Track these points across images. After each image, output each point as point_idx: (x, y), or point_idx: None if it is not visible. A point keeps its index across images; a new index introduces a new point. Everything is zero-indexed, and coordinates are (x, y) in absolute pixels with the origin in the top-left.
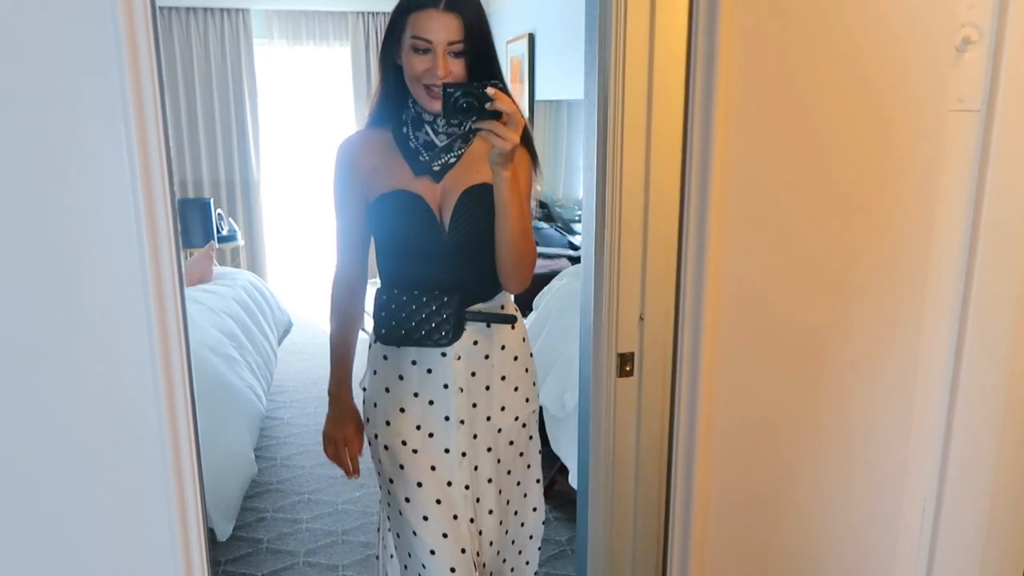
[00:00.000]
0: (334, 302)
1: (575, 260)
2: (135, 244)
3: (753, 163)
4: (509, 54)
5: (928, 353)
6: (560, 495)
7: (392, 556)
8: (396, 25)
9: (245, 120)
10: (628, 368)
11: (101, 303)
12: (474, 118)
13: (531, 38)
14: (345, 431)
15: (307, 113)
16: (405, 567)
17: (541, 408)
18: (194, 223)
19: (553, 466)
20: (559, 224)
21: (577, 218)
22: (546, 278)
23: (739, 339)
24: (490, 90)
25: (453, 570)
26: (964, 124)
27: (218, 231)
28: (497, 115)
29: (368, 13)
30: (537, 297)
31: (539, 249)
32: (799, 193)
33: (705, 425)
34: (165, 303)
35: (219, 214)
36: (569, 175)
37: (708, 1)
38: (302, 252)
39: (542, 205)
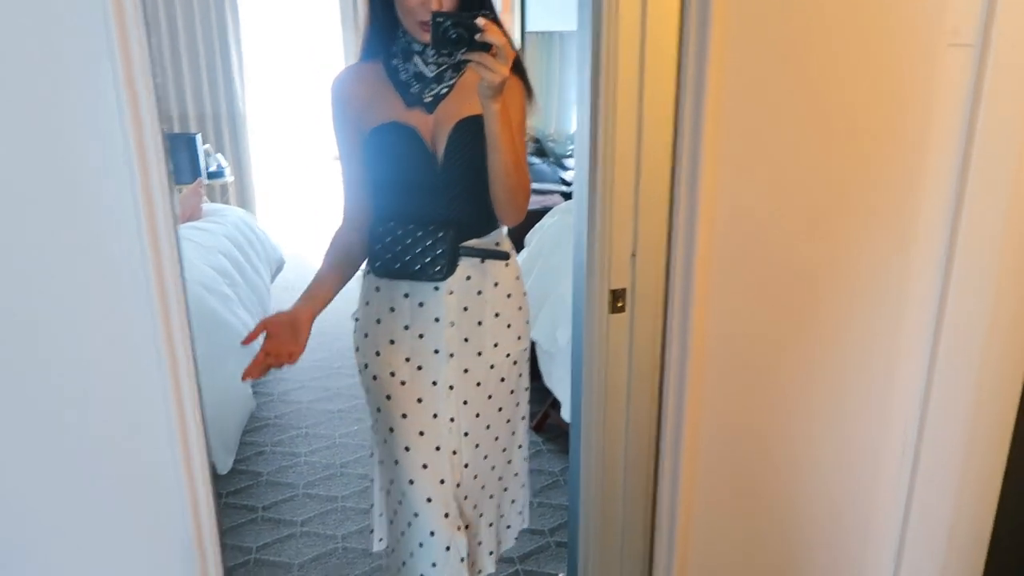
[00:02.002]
0: (334, 238)
1: (567, 196)
2: (127, 180)
3: (747, 95)
4: None
5: (916, 286)
6: (553, 428)
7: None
8: None
9: (229, 51)
10: (620, 304)
11: (96, 241)
12: (463, 49)
13: None
14: (278, 316)
15: (293, 42)
16: (388, 493)
17: (534, 343)
18: (181, 159)
19: (546, 400)
20: (551, 159)
21: (569, 153)
22: (538, 214)
23: (731, 270)
24: (480, 21)
25: (430, 500)
26: (959, 58)
27: (206, 168)
28: (487, 47)
29: None
30: (529, 234)
31: (532, 185)
32: (793, 125)
33: (696, 359)
34: (159, 239)
35: (206, 150)
36: (562, 109)
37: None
38: (292, 187)
39: (534, 140)
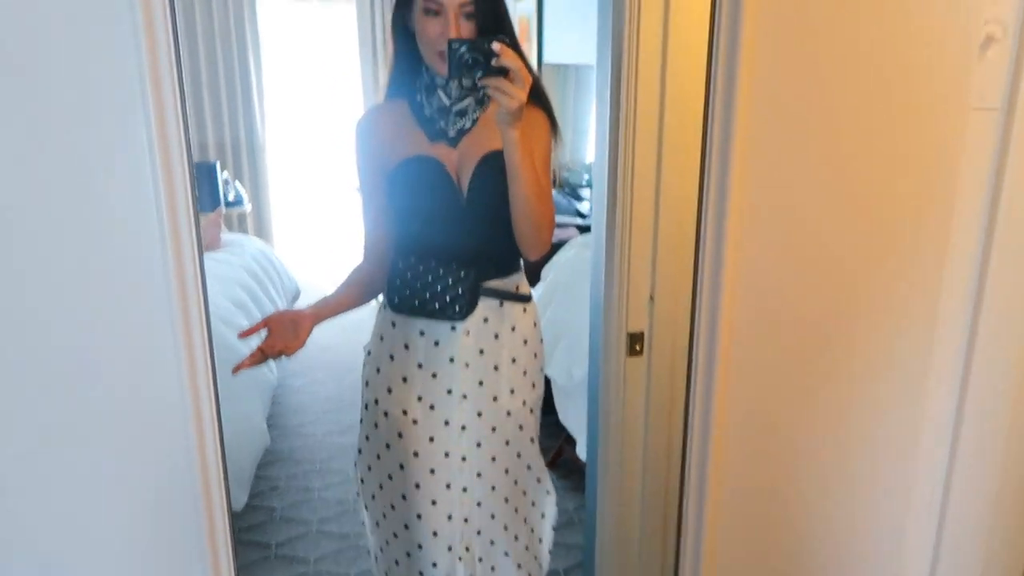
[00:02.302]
0: (353, 271)
1: (584, 229)
2: (153, 213)
3: (773, 152)
4: (517, 13)
5: (940, 353)
6: (567, 464)
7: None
8: None
9: (250, 80)
10: (638, 348)
11: (121, 270)
12: (480, 74)
13: None
14: (281, 314)
15: (312, 72)
16: (377, 524)
17: (548, 379)
18: (201, 188)
19: (559, 435)
20: (566, 189)
21: (585, 183)
22: (554, 248)
23: (753, 330)
24: (496, 45)
25: (436, 533)
26: (985, 122)
27: (225, 196)
28: (503, 71)
29: None
30: (545, 268)
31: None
32: (818, 184)
33: (719, 413)
34: (184, 270)
35: (225, 179)
36: (576, 138)
37: (730, 2)
38: (309, 216)
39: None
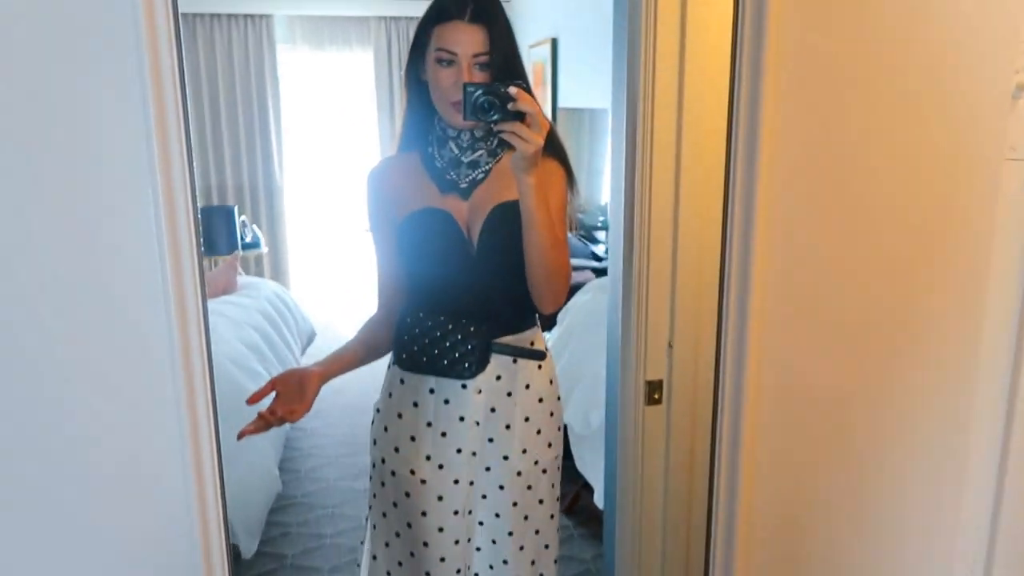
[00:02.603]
0: (367, 321)
1: (599, 272)
2: (156, 259)
3: (798, 208)
4: (531, 59)
5: (979, 417)
6: (584, 511)
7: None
8: (420, 39)
9: (268, 125)
10: (657, 396)
11: (122, 320)
12: (496, 118)
13: (554, 43)
14: (288, 374)
15: (330, 118)
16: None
17: (565, 426)
18: (219, 231)
19: (577, 481)
20: (581, 232)
21: (599, 224)
22: (570, 291)
23: (779, 397)
24: (512, 89)
25: None
26: (1018, 173)
27: (242, 238)
28: (520, 115)
29: (390, 18)
30: (561, 312)
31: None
32: (847, 237)
33: (748, 455)
34: (188, 319)
35: (243, 221)
36: (591, 180)
37: (751, 52)
38: (325, 258)
39: None
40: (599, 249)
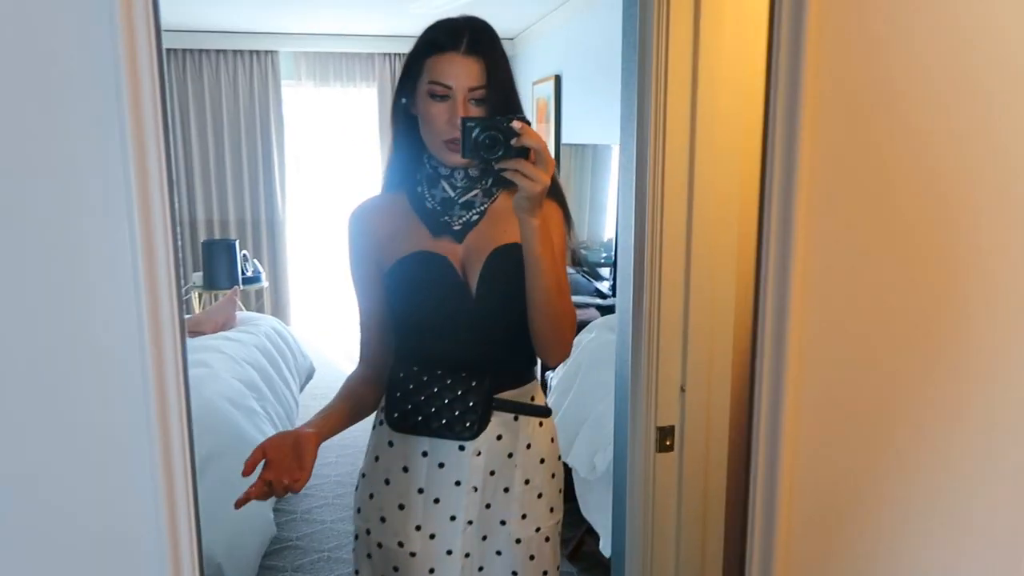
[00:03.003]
0: (347, 380)
1: (604, 309)
2: (132, 302)
3: (838, 251)
4: (535, 95)
5: None
6: (589, 557)
7: None
8: (411, 70)
9: (272, 160)
10: (668, 443)
11: (94, 369)
12: (499, 154)
13: (557, 80)
14: (280, 438)
15: (333, 153)
16: None
17: (569, 468)
18: (220, 265)
19: (581, 525)
20: (585, 269)
21: (603, 260)
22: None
23: (822, 429)
24: (516, 124)
25: None
26: None
27: (243, 272)
28: (524, 152)
29: (395, 55)
30: None
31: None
32: (891, 283)
33: (785, 512)
34: (165, 368)
35: (244, 255)
36: (594, 216)
37: (787, 94)
38: (326, 294)
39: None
40: (603, 286)
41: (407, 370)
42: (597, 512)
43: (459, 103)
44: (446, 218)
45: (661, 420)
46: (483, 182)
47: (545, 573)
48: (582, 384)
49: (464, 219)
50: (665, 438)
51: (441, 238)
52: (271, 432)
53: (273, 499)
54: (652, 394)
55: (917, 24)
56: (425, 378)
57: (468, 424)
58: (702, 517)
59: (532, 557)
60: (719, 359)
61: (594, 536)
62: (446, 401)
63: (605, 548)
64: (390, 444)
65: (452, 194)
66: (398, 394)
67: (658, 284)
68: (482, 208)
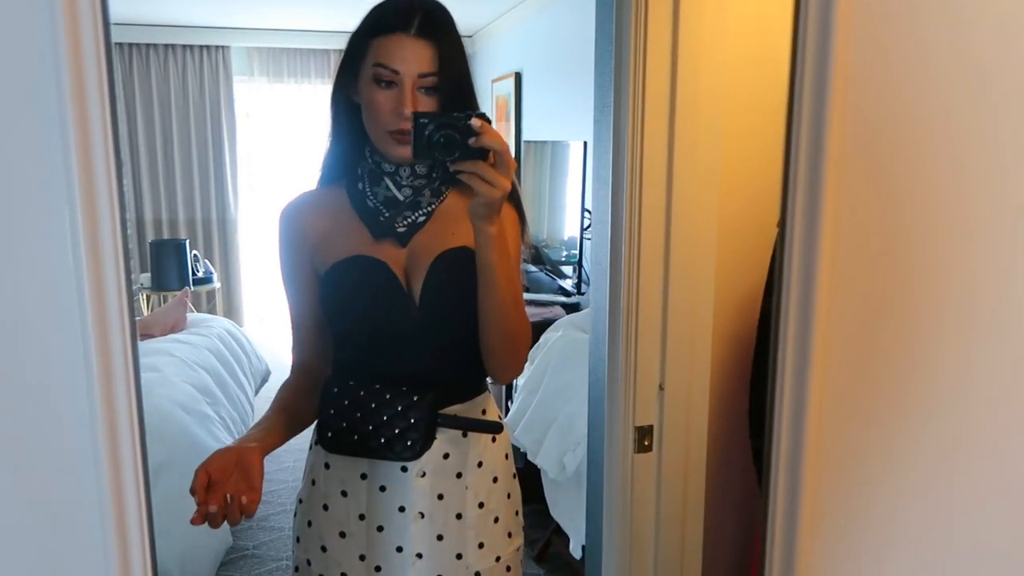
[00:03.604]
0: (280, 391)
1: (568, 307)
2: (75, 301)
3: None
4: (495, 93)
5: None
6: (556, 558)
7: None
8: (354, 53)
9: (223, 158)
10: (647, 443)
11: (33, 378)
12: (454, 157)
13: (518, 77)
14: (220, 456)
15: (287, 151)
16: None
17: (539, 470)
18: (169, 266)
19: (548, 526)
20: (547, 267)
21: (564, 259)
22: (540, 327)
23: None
24: (475, 122)
25: None
26: None
27: (193, 273)
28: (483, 154)
29: None
30: (532, 350)
31: (530, 295)
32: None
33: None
34: (113, 375)
35: (195, 255)
36: (554, 213)
37: (813, 124)
38: (280, 294)
39: (531, 247)
40: (566, 283)
41: (342, 385)
42: (567, 513)
43: (407, 91)
44: (388, 217)
45: (639, 420)
46: (431, 180)
47: None
48: (550, 384)
49: (409, 220)
50: (643, 438)
51: (383, 241)
52: (225, 437)
53: None
54: (630, 393)
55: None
56: (362, 393)
57: (410, 443)
58: (681, 518)
59: None
60: (699, 356)
61: (562, 537)
62: (385, 418)
63: (575, 550)
64: (326, 466)
65: (396, 193)
66: (332, 411)
67: (636, 280)
68: (429, 209)
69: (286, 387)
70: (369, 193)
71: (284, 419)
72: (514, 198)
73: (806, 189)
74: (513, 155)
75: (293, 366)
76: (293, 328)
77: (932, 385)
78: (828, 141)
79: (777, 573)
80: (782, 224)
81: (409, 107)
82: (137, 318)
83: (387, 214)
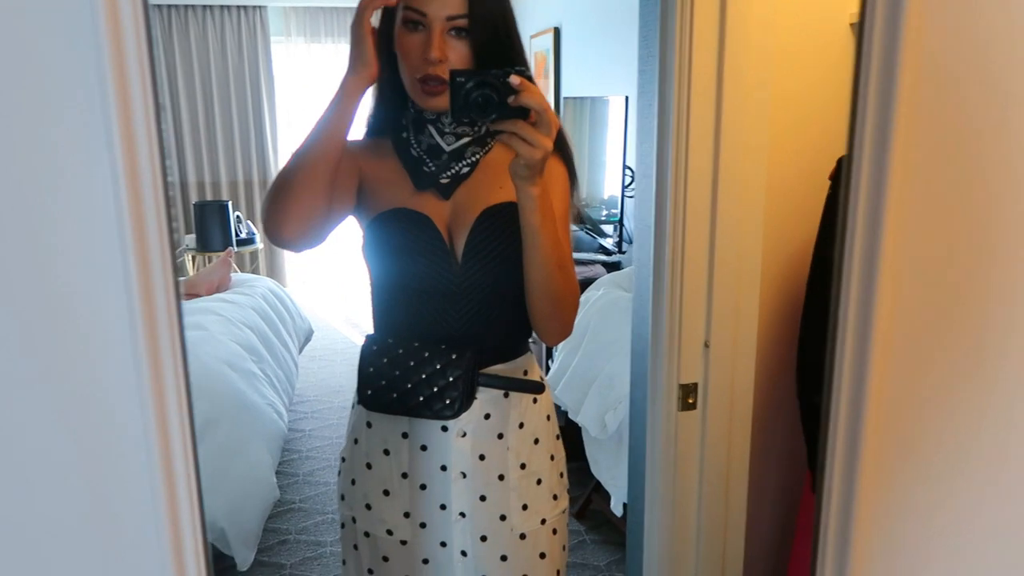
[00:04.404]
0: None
1: (609, 266)
2: (119, 266)
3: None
4: (533, 49)
5: None
6: (596, 515)
7: None
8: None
9: (263, 119)
10: (691, 400)
11: (79, 338)
12: (493, 117)
13: (556, 32)
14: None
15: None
16: None
17: (580, 428)
18: (213, 227)
19: (588, 483)
20: (588, 226)
21: (604, 218)
22: (581, 286)
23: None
24: (514, 79)
25: None
26: None
27: (237, 234)
28: (524, 113)
29: None
30: None
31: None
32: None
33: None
34: (158, 329)
35: (237, 216)
36: (594, 171)
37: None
38: (323, 255)
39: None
40: (607, 243)
41: (381, 343)
42: (607, 471)
43: (435, 35)
44: (432, 168)
45: (684, 377)
46: (476, 129)
47: (558, 572)
48: (591, 342)
49: (453, 171)
50: (688, 396)
51: (425, 192)
52: (271, 395)
53: (276, 462)
54: (674, 351)
55: None
56: (401, 351)
57: (448, 402)
58: (725, 477)
59: (543, 555)
60: (745, 313)
61: (602, 494)
62: (424, 377)
63: (616, 507)
64: (368, 425)
65: (440, 141)
66: (371, 369)
67: (681, 237)
68: (474, 159)
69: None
70: (413, 142)
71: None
72: (564, 153)
73: (875, 130)
74: (556, 112)
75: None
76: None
77: (1003, 354)
78: (900, 79)
79: (832, 543)
80: (847, 170)
81: (436, 52)
82: (183, 278)
83: (431, 164)
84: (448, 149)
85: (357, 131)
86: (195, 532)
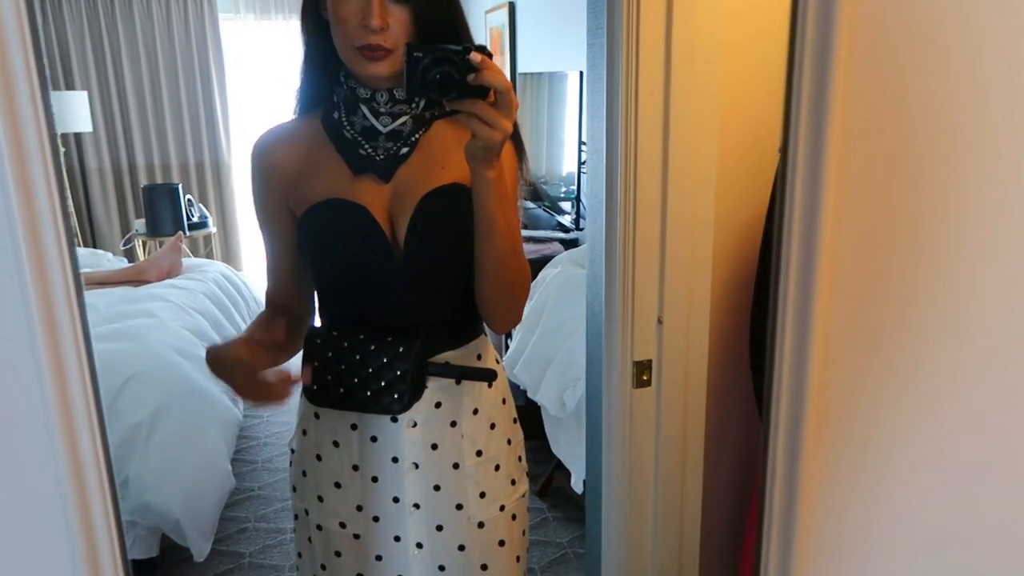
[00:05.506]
0: (254, 326)
1: (567, 243)
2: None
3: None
4: (488, 24)
5: None
6: (558, 492)
7: None
8: None
9: (213, 99)
10: (645, 377)
11: None
12: (452, 95)
13: (511, 7)
14: (220, 348)
15: (278, 90)
16: None
17: (539, 407)
18: (163, 211)
19: (550, 461)
20: (546, 204)
21: (563, 195)
22: (538, 264)
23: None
24: (475, 56)
25: None
26: None
27: (188, 218)
28: (483, 92)
29: None
30: (531, 286)
31: (528, 232)
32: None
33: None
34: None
35: (188, 200)
36: (552, 148)
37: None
38: None
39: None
40: (564, 219)
41: (325, 337)
42: (567, 449)
43: (374, 1)
44: (368, 150)
45: (638, 354)
46: (412, 107)
47: (518, 559)
48: (549, 320)
49: (391, 152)
50: (642, 372)
51: (362, 178)
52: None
53: (231, 450)
54: (628, 327)
55: None
56: (346, 345)
57: (397, 396)
58: (681, 452)
59: (502, 543)
60: (698, 288)
61: (564, 472)
62: (370, 370)
63: (576, 485)
64: (316, 416)
65: (375, 122)
66: (316, 364)
67: (632, 211)
68: (413, 139)
69: (259, 320)
70: (346, 123)
71: (265, 340)
72: (513, 131)
73: (810, 106)
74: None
75: (268, 302)
76: (268, 270)
77: (935, 308)
78: (834, 58)
79: (778, 507)
80: (784, 146)
81: (377, 19)
82: (132, 264)
83: (367, 145)
84: (384, 130)
85: (287, 112)
86: (111, 534)
